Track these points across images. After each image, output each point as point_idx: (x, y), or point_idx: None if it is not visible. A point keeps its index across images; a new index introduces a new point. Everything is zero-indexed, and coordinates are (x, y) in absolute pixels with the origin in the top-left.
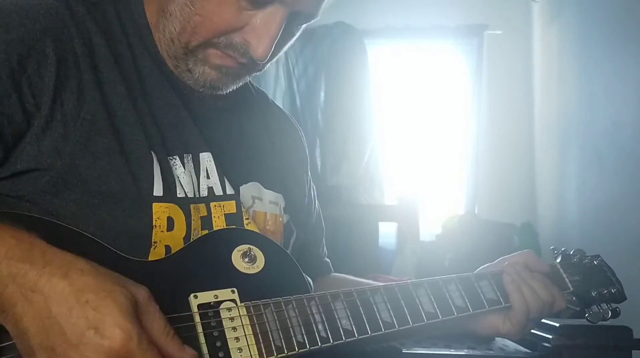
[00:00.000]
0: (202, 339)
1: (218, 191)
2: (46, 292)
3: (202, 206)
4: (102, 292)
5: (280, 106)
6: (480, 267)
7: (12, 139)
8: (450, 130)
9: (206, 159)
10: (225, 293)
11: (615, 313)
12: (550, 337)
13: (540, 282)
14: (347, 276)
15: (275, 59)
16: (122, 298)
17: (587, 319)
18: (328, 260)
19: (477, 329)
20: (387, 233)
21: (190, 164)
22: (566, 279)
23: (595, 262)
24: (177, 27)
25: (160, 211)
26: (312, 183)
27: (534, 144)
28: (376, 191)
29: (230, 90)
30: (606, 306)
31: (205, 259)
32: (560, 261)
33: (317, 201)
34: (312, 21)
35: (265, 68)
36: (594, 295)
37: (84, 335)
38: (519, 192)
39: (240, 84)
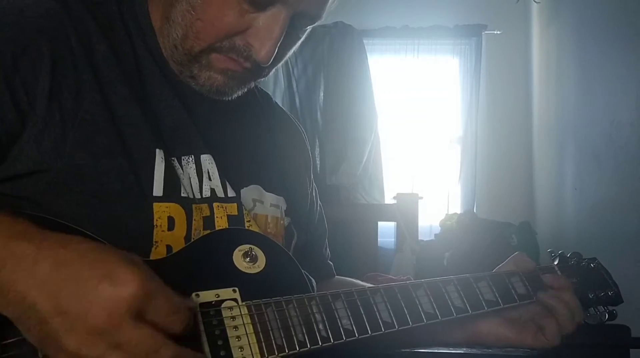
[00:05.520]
0: (203, 337)
1: (220, 194)
2: (50, 261)
3: (204, 206)
4: (105, 251)
5: (280, 106)
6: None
7: (6, 138)
8: (449, 129)
9: (207, 162)
10: (226, 293)
11: (612, 316)
12: None
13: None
14: (353, 281)
15: (280, 64)
16: (124, 253)
17: (584, 321)
18: (331, 262)
19: (489, 342)
20: (386, 232)
21: (192, 166)
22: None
23: (592, 265)
24: (179, 33)
25: (160, 211)
26: (314, 184)
27: (532, 143)
28: (375, 190)
29: (236, 95)
30: (603, 309)
31: (207, 258)
32: (557, 263)
33: (319, 202)
34: (317, 23)
35: (271, 73)
36: (591, 297)
37: (98, 288)
38: (517, 191)
39: (245, 89)
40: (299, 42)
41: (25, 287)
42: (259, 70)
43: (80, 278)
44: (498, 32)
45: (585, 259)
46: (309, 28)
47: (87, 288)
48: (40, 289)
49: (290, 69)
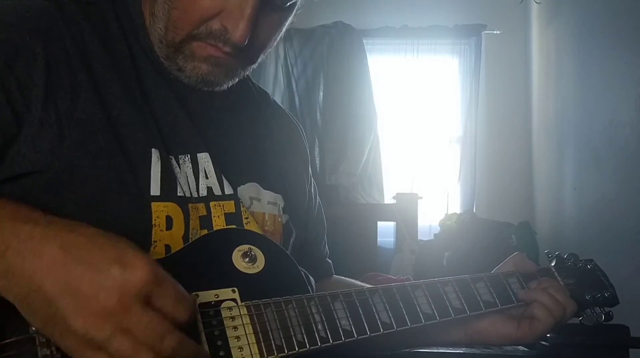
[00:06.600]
0: (203, 338)
1: (217, 192)
2: (58, 243)
3: (201, 205)
4: (114, 237)
5: (278, 104)
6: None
7: (3, 140)
8: (448, 129)
9: (204, 160)
10: (225, 293)
11: (609, 317)
12: (548, 335)
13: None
14: (352, 281)
15: (268, 51)
16: (130, 241)
17: (581, 322)
18: (330, 261)
19: (490, 340)
20: (385, 232)
21: (188, 165)
22: (561, 282)
23: (588, 266)
24: (162, 27)
25: (159, 211)
26: (312, 181)
27: (531, 143)
28: (374, 190)
29: (227, 85)
30: (599, 310)
31: (206, 258)
32: (554, 264)
33: (318, 199)
34: (296, 0)
35: (260, 59)
36: (587, 298)
37: (110, 271)
38: (517, 191)
39: (236, 78)
40: (286, 23)
41: (31, 268)
42: (243, 55)
43: (91, 261)
44: (497, 32)
45: (581, 260)
46: (295, 10)
47: (98, 270)
48: (48, 270)
49: (290, 69)
